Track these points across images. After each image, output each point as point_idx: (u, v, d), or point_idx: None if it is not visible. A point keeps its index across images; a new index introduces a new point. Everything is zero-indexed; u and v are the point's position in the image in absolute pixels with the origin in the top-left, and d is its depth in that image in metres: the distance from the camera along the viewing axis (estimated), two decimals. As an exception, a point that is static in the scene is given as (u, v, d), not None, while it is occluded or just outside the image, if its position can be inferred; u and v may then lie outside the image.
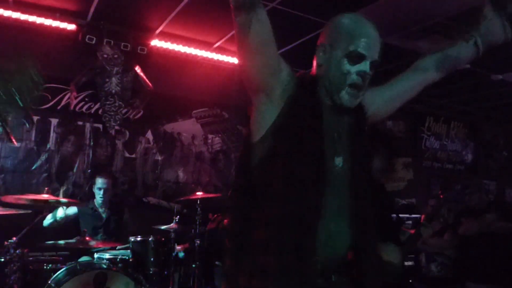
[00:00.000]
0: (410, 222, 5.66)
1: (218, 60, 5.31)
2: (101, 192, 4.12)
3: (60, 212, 3.84)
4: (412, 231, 3.13)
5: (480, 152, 8.31)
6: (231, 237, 1.55)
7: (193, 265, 3.99)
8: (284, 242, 1.40)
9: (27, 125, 4.48)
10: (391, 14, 4.08)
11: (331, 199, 1.48)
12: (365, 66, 1.50)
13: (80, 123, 4.79)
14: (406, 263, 4.48)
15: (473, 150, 8.26)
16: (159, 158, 5.24)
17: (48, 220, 3.84)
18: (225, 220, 3.90)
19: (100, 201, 4.14)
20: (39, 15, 4.33)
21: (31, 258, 3.39)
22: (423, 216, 3.35)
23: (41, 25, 4.38)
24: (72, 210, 4.02)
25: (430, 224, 3.94)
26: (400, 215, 5.80)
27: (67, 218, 3.93)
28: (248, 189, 1.52)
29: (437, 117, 7.74)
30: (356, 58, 1.49)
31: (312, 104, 1.52)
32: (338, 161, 1.54)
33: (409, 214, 6.04)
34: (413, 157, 7.32)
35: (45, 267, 3.26)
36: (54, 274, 3.16)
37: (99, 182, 4.14)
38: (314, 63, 1.61)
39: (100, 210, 4.16)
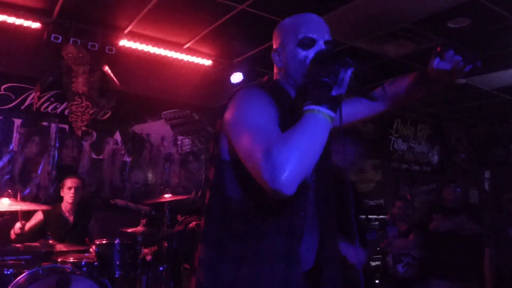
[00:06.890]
0: (377, 223, 5.74)
1: (188, 61, 5.25)
2: (71, 191, 3.95)
3: (27, 227, 3.68)
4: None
5: (445, 154, 8.54)
6: (206, 249, 1.47)
7: (161, 268, 3.95)
8: (275, 252, 1.39)
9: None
10: (360, 17, 4.14)
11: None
12: (320, 47, 1.46)
13: (45, 123, 4.68)
14: (373, 263, 4.56)
15: (439, 152, 8.49)
16: (128, 160, 5.17)
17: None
18: (192, 223, 3.88)
19: (70, 201, 3.97)
20: (1, 12, 4.17)
21: (-10, 263, 3.29)
22: (388, 216, 3.42)
23: (3, 22, 4.23)
24: (37, 217, 3.90)
25: (395, 223, 4.03)
26: (369, 216, 5.92)
27: (32, 229, 3.80)
28: (224, 203, 1.45)
29: (404, 119, 7.91)
30: (308, 42, 1.46)
31: (285, 104, 1.47)
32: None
33: (377, 215, 6.13)
34: (381, 158, 7.46)
35: (5, 271, 3.15)
36: (15, 279, 3.06)
37: (69, 181, 3.99)
38: (275, 71, 1.59)
39: (67, 214, 4.02)
